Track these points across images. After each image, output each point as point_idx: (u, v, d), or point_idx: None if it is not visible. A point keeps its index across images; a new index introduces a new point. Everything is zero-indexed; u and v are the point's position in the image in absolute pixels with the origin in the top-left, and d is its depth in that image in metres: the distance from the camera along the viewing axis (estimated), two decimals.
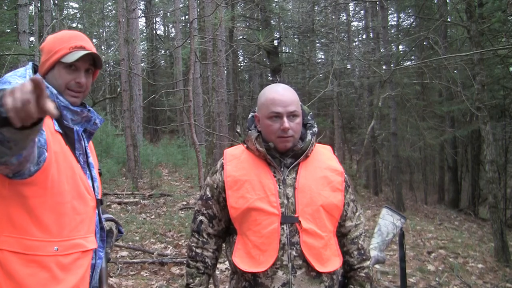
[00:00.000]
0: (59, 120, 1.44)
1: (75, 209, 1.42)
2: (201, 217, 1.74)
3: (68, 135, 1.47)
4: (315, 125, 1.75)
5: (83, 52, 1.49)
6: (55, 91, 1.43)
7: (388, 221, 2.59)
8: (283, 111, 1.61)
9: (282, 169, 1.66)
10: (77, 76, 1.49)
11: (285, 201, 1.62)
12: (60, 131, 1.42)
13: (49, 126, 1.37)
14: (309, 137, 1.69)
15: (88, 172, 1.55)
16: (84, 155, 1.54)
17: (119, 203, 7.79)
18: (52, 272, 1.34)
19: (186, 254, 1.80)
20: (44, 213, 1.33)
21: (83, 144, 1.55)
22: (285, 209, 1.61)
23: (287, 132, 1.61)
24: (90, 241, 1.50)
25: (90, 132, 1.58)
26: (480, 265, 5.97)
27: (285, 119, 1.61)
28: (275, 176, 1.65)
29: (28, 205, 1.30)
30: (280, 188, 1.63)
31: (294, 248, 1.59)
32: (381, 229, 2.69)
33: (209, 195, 1.73)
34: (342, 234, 1.75)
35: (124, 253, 5.25)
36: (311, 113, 1.77)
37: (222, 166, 1.72)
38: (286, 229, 1.60)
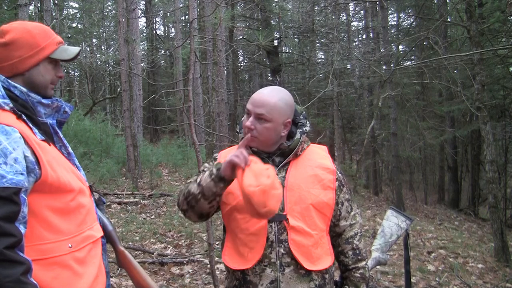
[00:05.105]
0: (36, 123, 1.43)
1: (80, 204, 1.46)
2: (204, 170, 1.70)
3: (45, 131, 1.47)
4: (307, 124, 1.73)
5: (76, 49, 1.54)
6: (24, 89, 1.41)
7: (392, 222, 2.55)
8: (252, 110, 1.61)
9: None
10: (58, 70, 1.53)
11: None
12: (43, 138, 1.41)
13: (33, 138, 1.35)
14: (298, 135, 1.68)
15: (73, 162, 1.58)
16: (64, 146, 1.56)
17: (119, 203, 7.79)
18: (73, 269, 1.37)
19: (177, 200, 1.72)
20: (51, 216, 1.36)
21: (60, 135, 1.56)
22: None
23: (250, 131, 1.61)
24: (96, 230, 1.54)
25: (61, 122, 1.59)
26: (480, 265, 5.97)
27: (251, 118, 1.61)
28: None
29: (33, 212, 1.31)
30: None
31: (282, 246, 1.59)
32: (384, 230, 2.65)
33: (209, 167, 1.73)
34: (336, 234, 1.74)
35: None
36: (304, 112, 1.76)
37: (215, 159, 1.77)
38: (275, 227, 1.60)
